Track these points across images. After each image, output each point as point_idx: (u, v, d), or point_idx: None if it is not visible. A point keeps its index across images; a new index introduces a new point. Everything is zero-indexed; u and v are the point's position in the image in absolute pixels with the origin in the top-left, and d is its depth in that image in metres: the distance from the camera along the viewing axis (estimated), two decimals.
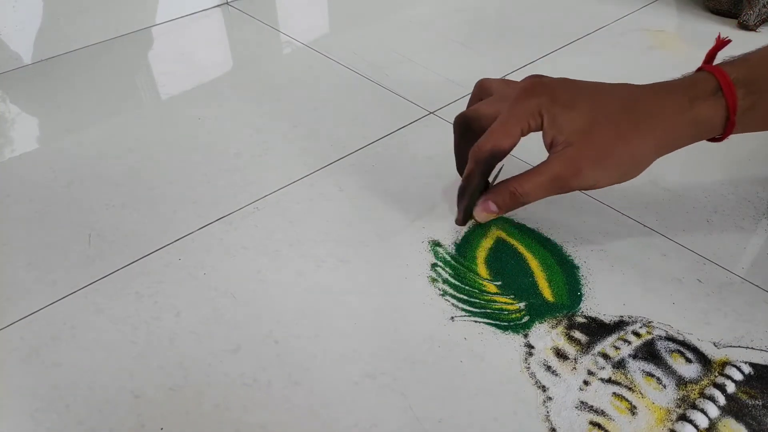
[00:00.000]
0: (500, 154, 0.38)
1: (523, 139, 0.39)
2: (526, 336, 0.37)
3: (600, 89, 0.39)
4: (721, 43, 0.39)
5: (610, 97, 0.38)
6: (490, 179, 0.41)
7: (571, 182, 0.38)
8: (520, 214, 0.44)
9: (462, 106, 0.56)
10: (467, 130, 0.41)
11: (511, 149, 0.38)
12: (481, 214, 0.40)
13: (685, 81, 0.38)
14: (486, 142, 0.38)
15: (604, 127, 0.37)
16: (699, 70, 0.39)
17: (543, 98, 0.37)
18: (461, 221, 0.42)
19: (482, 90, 0.42)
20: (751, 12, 0.66)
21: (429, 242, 0.43)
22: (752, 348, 0.36)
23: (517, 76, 0.44)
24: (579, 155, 0.37)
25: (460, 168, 0.43)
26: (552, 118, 0.37)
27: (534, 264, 0.41)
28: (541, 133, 0.38)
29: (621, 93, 0.38)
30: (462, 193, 0.41)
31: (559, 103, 0.37)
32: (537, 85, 0.39)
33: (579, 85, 0.39)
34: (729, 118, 0.37)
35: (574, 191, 0.39)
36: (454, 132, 0.42)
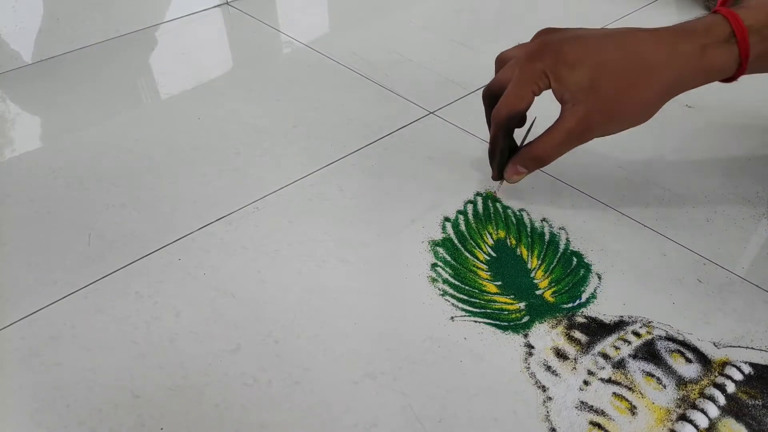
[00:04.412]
0: (517, 116, 0.41)
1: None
2: (526, 336, 0.37)
3: (606, 41, 0.40)
4: None
5: (616, 49, 0.39)
6: (526, 128, 0.43)
7: (584, 136, 0.40)
8: (520, 214, 0.45)
9: (462, 106, 0.56)
10: (495, 101, 0.42)
11: (526, 109, 0.41)
12: (512, 177, 0.43)
13: (698, 26, 0.39)
14: (502, 107, 0.41)
15: (610, 80, 0.38)
16: (714, 12, 0.39)
17: (547, 59, 0.39)
18: (496, 176, 0.45)
19: (501, 63, 0.44)
20: None
21: (429, 242, 0.43)
22: (752, 348, 0.36)
23: None
24: (587, 110, 0.39)
25: None
26: (558, 78, 0.39)
27: (534, 264, 0.41)
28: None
29: (627, 42, 0.39)
30: (491, 154, 0.44)
31: (563, 62, 0.39)
32: (542, 46, 0.40)
33: (584, 39, 0.40)
34: (741, 65, 0.38)
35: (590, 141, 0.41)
36: (484, 105, 0.44)
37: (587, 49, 0.39)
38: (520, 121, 0.42)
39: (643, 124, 0.40)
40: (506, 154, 0.43)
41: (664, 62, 0.38)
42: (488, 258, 0.42)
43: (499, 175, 0.44)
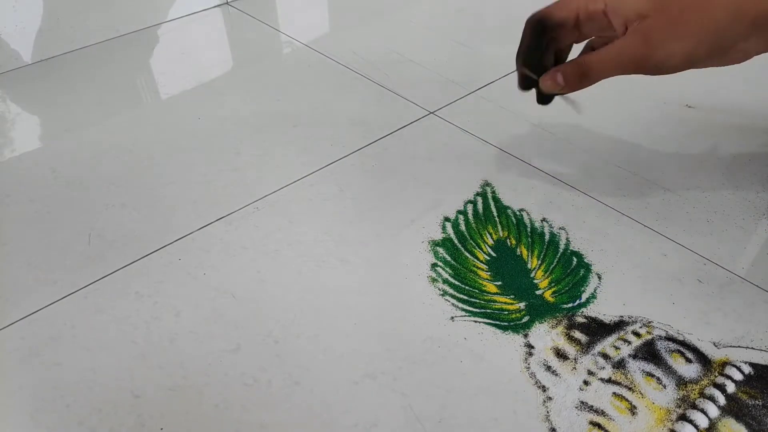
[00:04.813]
0: (548, 22, 0.39)
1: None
2: (526, 336, 0.37)
3: None
4: None
5: None
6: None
7: (641, 60, 0.37)
8: (520, 214, 0.45)
9: (462, 106, 0.56)
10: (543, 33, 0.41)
11: (562, 21, 0.39)
12: (546, 83, 0.40)
13: None
14: (540, 10, 0.40)
15: None
16: None
17: None
18: (519, 85, 0.42)
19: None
20: None
21: (429, 242, 0.43)
22: (752, 348, 0.36)
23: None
24: (649, 27, 0.36)
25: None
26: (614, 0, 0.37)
27: (534, 264, 0.41)
28: None
29: None
30: (516, 57, 0.42)
31: None
32: None
33: None
34: None
35: (648, 72, 0.38)
36: (527, 33, 0.42)
37: None
38: (552, 36, 0.40)
39: (705, 64, 0.37)
40: (532, 55, 0.40)
41: None
42: (488, 258, 0.42)
43: (522, 83, 0.41)
